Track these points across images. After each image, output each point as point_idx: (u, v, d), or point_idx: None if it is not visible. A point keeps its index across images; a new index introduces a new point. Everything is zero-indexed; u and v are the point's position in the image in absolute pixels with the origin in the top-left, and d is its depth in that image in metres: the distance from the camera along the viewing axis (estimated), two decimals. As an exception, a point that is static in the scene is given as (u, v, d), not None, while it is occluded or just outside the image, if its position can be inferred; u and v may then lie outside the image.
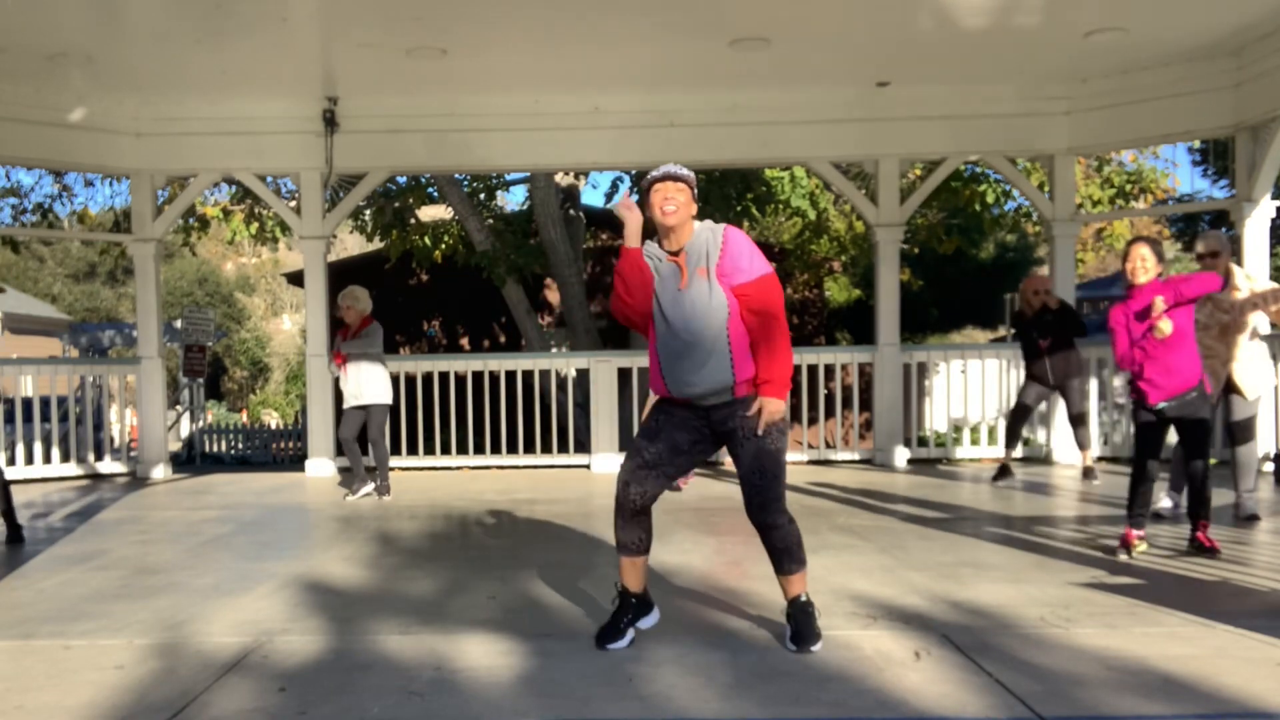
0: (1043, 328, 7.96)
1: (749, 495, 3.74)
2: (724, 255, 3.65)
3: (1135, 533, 5.26)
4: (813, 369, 10.11)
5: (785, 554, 3.76)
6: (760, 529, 3.77)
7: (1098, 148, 10.72)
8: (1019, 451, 9.72)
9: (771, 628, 3.99)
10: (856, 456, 10.02)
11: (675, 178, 3.68)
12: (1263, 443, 8.35)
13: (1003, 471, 8.15)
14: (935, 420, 13.49)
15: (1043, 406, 9.06)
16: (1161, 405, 5.15)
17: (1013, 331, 8.72)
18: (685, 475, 7.94)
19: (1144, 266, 5.14)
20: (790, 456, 10.04)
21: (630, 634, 3.81)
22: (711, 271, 3.64)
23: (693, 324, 3.63)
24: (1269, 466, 8.09)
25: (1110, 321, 5.30)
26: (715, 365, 3.63)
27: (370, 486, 7.97)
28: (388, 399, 7.97)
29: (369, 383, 7.86)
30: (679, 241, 3.72)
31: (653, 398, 3.94)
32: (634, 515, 3.82)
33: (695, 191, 3.74)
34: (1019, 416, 8.34)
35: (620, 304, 3.78)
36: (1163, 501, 6.37)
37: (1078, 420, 8.12)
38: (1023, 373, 8.40)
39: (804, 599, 3.79)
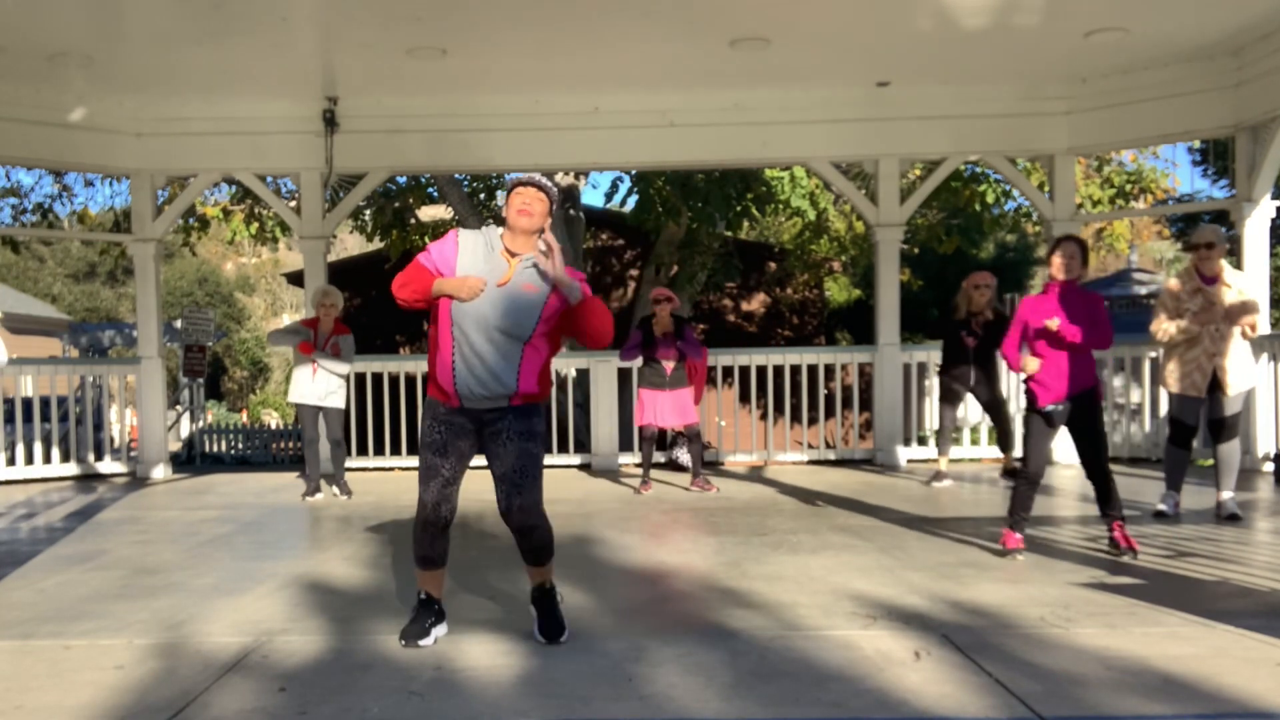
0: (970, 327, 7.92)
1: (514, 494, 3.77)
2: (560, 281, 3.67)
3: (1016, 536, 5.25)
4: (813, 369, 10.11)
5: (544, 550, 3.88)
6: (522, 530, 3.82)
7: (1098, 148, 10.73)
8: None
9: (772, 627, 3.99)
10: (856, 456, 10.02)
11: (540, 186, 3.70)
12: (1263, 443, 8.37)
13: (937, 476, 8.24)
14: (935, 420, 13.48)
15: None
16: (1050, 408, 5.15)
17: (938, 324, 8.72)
18: (708, 484, 7.98)
19: (1069, 266, 5.16)
20: (790, 456, 10.11)
21: (435, 633, 3.86)
22: (542, 291, 3.67)
23: (498, 327, 3.65)
24: (1269, 467, 8.09)
25: (1019, 311, 5.31)
26: (504, 371, 3.67)
27: (323, 490, 8.01)
28: (344, 403, 7.99)
29: (338, 386, 7.86)
30: (521, 248, 3.71)
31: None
32: (442, 530, 3.88)
33: (553, 208, 3.76)
34: (949, 420, 8.35)
35: (409, 296, 3.73)
36: (1161, 503, 6.37)
37: (1001, 420, 8.17)
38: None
39: (549, 585, 3.91)
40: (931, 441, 11.58)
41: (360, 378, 9.69)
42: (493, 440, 3.78)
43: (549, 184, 3.75)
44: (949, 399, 8.27)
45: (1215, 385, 6.13)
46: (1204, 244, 6.13)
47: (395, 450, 9.95)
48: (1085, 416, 5.19)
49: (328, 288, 8.01)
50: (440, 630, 3.91)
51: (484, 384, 3.67)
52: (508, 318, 3.66)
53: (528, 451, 3.78)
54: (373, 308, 8.11)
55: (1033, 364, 5.12)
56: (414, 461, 9.85)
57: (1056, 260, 5.21)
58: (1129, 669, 3.43)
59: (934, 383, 11.41)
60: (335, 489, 7.99)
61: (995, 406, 8.18)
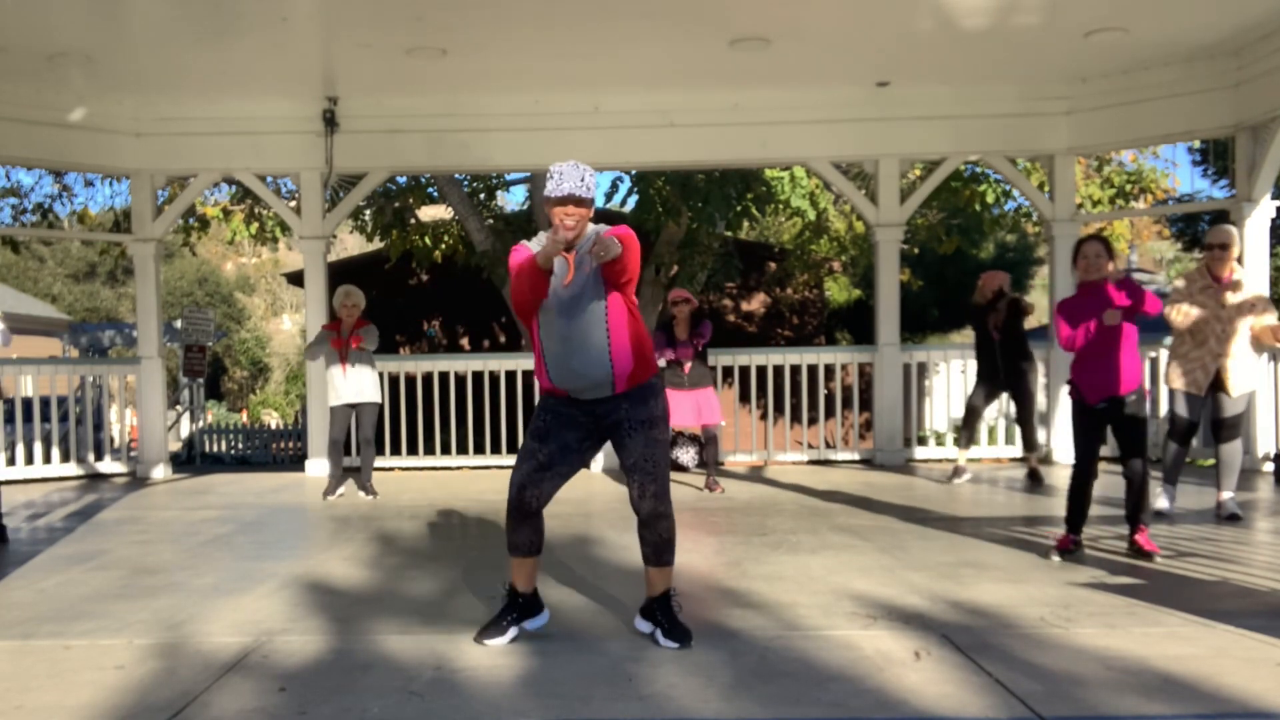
0: (998, 323, 7.97)
1: (644, 484, 3.77)
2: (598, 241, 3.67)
3: (1072, 537, 5.26)
4: (813, 369, 10.11)
5: (667, 546, 3.86)
6: (649, 519, 3.81)
7: (1098, 148, 10.72)
8: (1018, 451, 9.74)
9: (772, 627, 3.99)
10: (856, 456, 10.02)
11: (579, 201, 3.68)
12: (1263, 443, 8.37)
13: (957, 472, 8.23)
14: (935, 420, 13.48)
15: (1042, 405, 9.06)
16: (1099, 405, 5.16)
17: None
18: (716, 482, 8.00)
19: (1096, 265, 5.16)
20: (790, 456, 10.12)
21: (512, 632, 3.85)
22: (596, 267, 3.69)
23: (579, 317, 3.70)
24: (1269, 466, 8.09)
25: (1057, 313, 5.31)
26: (596, 359, 3.70)
27: (344, 488, 8.06)
28: (380, 398, 8.06)
29: (370, 382, 7.91)
30: (572, 242, 3.75)
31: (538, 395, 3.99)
32: (528, 518, 3.86)
33: (593, 205, 3.76)
34: (973, 417, 8.33)
35: (526, 305, 3.77)
36: (1159, 500, 6.37)
37: (1027, 423, 8.15)
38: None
39: (673, 592, 3.89)
40: (932, 441, 11.61)
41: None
42: (614, 432, 3.81)
43: (588, 193, 3.70)
44: (978, 395, 8.23)
45: (1218, 385, 6.15)
46: (1218, 245, 6.15)
47: (395, 450, 9.94)
48: (1129, 416, 5.19)
49: (349, 288, 8.01)
50: (529, 624, 3.91)
51: (581, 374, 3.72)
52: (582, 304, 3.71)
53: (653, 439, 3.78)
54: (373, 308, 8.09)
55: (1114, 317, 5.04)
56: (413, 461, 9.92)
57: (1080, 264, 5.21)
58: (1129, 669, 3.43)
59: (931, 381, 11.44)
60: (362, 491, 7.99)
61: (1022, 403, 8.13)
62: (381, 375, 9.69)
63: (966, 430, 8.40)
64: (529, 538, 3.89)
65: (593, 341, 3.71)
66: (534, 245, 3.84)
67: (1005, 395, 8.63)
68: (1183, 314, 6.19)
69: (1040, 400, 8.87)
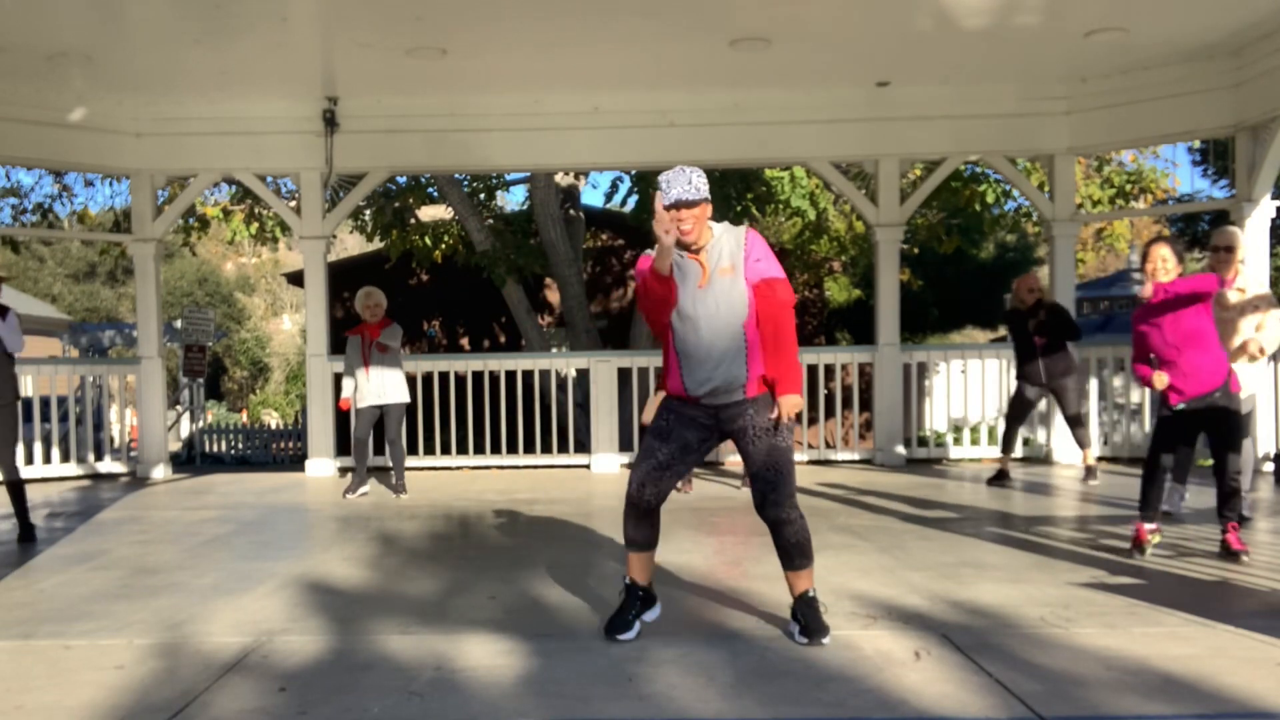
0: (1038, 327, 7.94)
1: (763, 491, 3.82)
2: (747, 255, 3.76)
3: (1147, 528, 5.24)
4: (813, 369, 10.09)
5: (797, 549, 3.86)
6: (773, 525, 3.85)
7: (1098, 148, 10.72)
8: (1019, 452, 9.74)
9: (772, 627, 3.99)
10: (856, 456, 10.02)
11: (690, 204, 3.69)
12: (1263, 443, 8.37)
13: (999, 476, 8.13)
14: (935, 420, 13.48)
15: (1042, 406, 9.04)
16: (1182, 407, 5.14)
17: (1004, 331, 8.68)
18: (688, 479, 8.00)
19: (1164, 267, 5.12)
20: (790, 456, 10.09)
21: (638, 626, 3.90)
22: (738, 269, 3.74)
23: (715, 321, 3.74)
24: (1269, 466, 8.09)
25: (1135, 330, 5.27)
26: (732, 362, 3.75)
27: (367, 487, 8.07)
28: (408, 397, 8.07)
29: (394, 382, 7.93)
30: (698, 243, 3.79)
31: (654, 397, 3.99)
32: (646, 514, 3.91)
33: (708, 204, 3.77)
34: (1016, 419, 8.31)
35: (653, 310, 3.81)
36: (1169, 499, 6.36)
37: (1075, 421, 8.09)
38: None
39: (811, 594, 3.88)
40: (933, 442, 11.60)
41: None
42: (739, 438, 3.85)
43: (699, 195, 3.69)
44: (1020, 402, 8.17)
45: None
46: (1224, 247, 6.14)
47: (429, 450, 9.97)
48: (1217, 414, 5.15)
49: (370, 289, 8.02)
50: (649, 615, 3.97)
51: (712, 379, 3.75)
52: (721, 307, 3.73)
53: (775, 447, 3.81)
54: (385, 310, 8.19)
55: (1161, 380, 5.09)
56: (413, 461, 9.92)
57: (1147, 268, 5.18)
58: (1129, 669, 3.43)
59: (931, 381, 11.43)
60: (393, 490, 8.01)
61: (1069, 409, 8.05)
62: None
63: (1009, 432, 8.33)
64: (647, 533, 3.94)
65: (731, 346, 3.73)
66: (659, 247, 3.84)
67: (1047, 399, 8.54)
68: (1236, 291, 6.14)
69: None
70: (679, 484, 7.83)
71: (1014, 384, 8.39)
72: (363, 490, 7.99)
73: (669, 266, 3.70)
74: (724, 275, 3.75)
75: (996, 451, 9.26)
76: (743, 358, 3.75)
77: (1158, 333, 5.12)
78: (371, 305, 7.91)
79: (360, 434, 8.03)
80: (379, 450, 8.94)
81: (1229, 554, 5.11)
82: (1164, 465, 5.28)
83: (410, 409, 9.78)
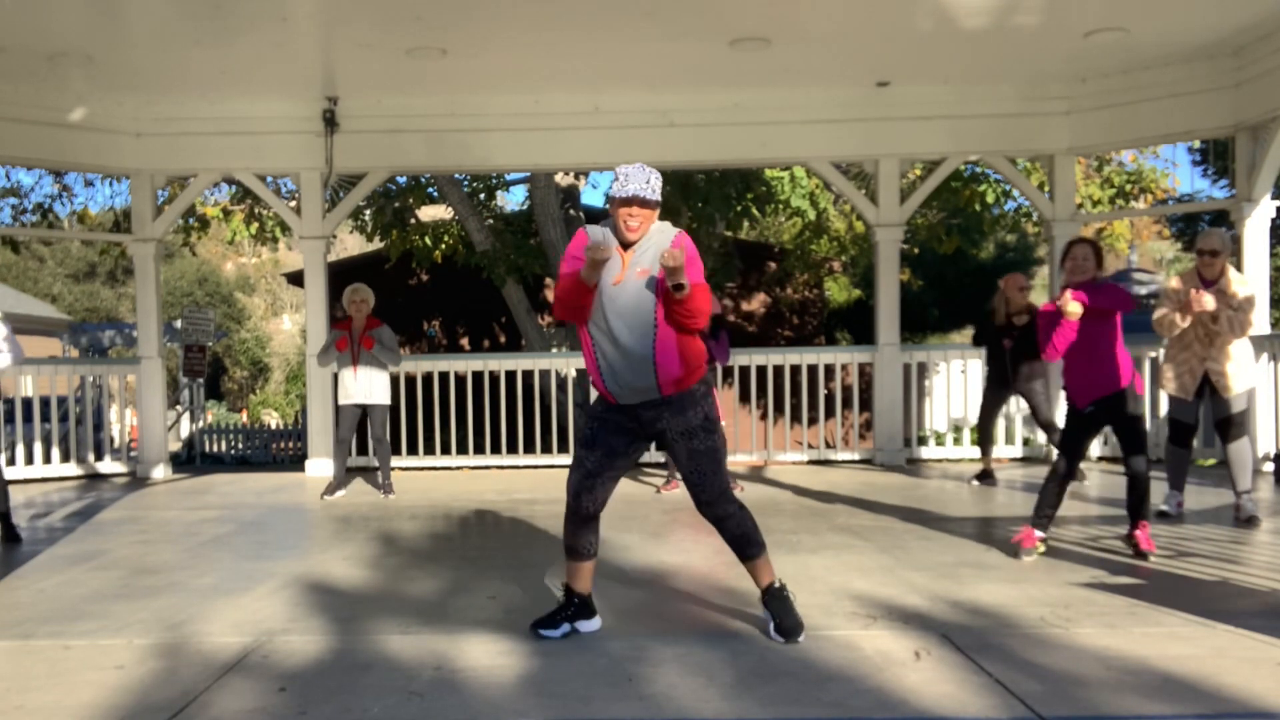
0: (1024, 330, 7.88)
1: (694, 492, 3.84)
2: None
3: (1037, 534, 5.25)
4: (813, 369, 10.11)
5: (744, 540, 3.87)
6: (714, 522, 3.87)
7: (1098, 148, 10.72)
8: (1019, 452, 9.74)
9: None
10: (856, 456, 10.02)
11: (643, 204, 3.68)
12: (1263, 443, 8.37)
13: (984, 475, 8.13)
14: (935, 420, 13.49)
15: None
16: (1089, 409, 5.19)
17: (975, 331, 8.63)
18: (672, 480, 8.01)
19: (1083, 267, 5.16)
20: (790, 456, 10.11)
21: (566, 628, 3.89)
22: (653, 273, 3.69)
23: (627, 319, 3.71)
24: (1269, 466, 8.09)
25: (1042, 323, 5.28)
26: (641, 363, 3.72)
27: (344, 490, 8.06)
28: (390, 399, 8.05)
29: (380, 383, 7.92)
30: (637, 239, 3.76)
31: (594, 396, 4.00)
32: (585, 522, 3.92)
33: (658, 208, 3.75)
34: (988, 418, 8.27)
35: (567, 305, 3.78)
36: (1166, 503, 6.36)
37: (1049, 426, 8.00)
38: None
39: (778, 585, 3.89)
40: (933, 442, 11.61)
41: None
42: (661, 440, 3.86)
43: (653, 195, 3.70)
44: (991, 401, 8.18)
45: (1211, 388, 6.14)
46: (1209, 251, 6.13)
47: (395, 450, 9.92)
48: (1120, 416, 5.21)
49: (357, 285, 8.01)
50: (583, 625, 3.93)
51: (626, 379, 3.73)
52: (629, 310, 3.71)
53: (694, 450, 3.79)
54: (373, 308, 8.13)
55: (1075, 307, 4.97)
56: (413, 461, 9.93)
57: (1068, 265, 5.25)
58: (1129, 669, 3.43)
59: (931, 381, 11.44)
60: (380, 490, 8.01)
61: (1040, 414, 8.02)
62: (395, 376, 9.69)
63: (985, 434, 8.33)
64: (587, 541, 3.95)
65: (641, 346, 3.71)
66: (596, 233, 3.79)
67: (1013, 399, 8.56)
68: (1164, 317, 6.18)
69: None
70: (667, 486, 7.90)
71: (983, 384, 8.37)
72: (340, 492, 7.97)
73: (596, 280, 3.66)
74: (641, 276, 3.70)
75: (997, 451, 9.26)
76: (651, 359, 3.71)
77: (1065, 334, 5.08)
78: (357, 301, 7.88)
79: (344, 434, 8.01)
80: (360, 450, 8.93)
81: (1139, 554, 5.14)
82: (1067, 470, 5.31)
83: (410, 409, 9.81)
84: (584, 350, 3.87)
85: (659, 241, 3.73)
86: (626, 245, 3.75)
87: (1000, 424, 9.21)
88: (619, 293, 3.72)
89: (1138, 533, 5.23)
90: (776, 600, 3.86)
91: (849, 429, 11.62)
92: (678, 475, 8.10)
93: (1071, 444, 5.34)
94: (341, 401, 7.96)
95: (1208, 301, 5.62)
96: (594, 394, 3.94)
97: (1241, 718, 3.05)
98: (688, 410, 3.79)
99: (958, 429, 10.54)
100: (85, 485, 9.14)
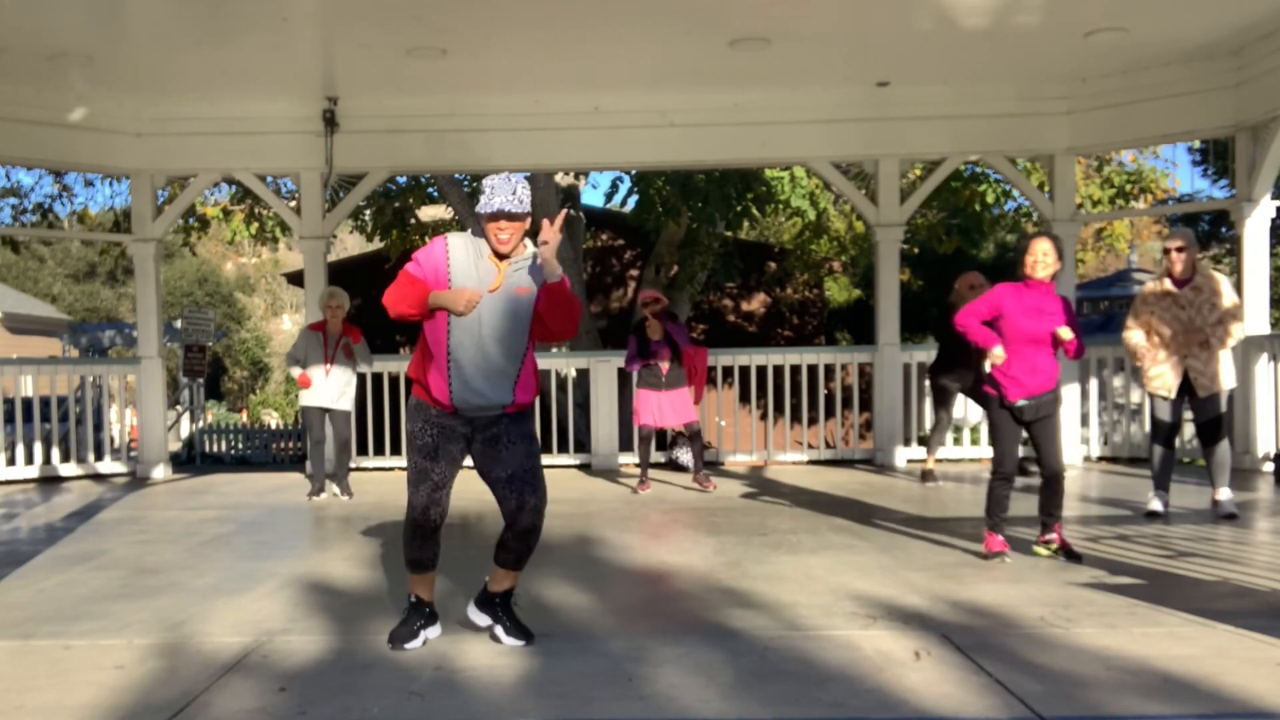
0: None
1: (521, 497, 3.75)
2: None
3: (998, 538, 5.17)
4: (813, 369, 10.10)
5: (529, 554, 3.89)
6: (523, 532, 3.81)
7: (1098, 148, 10.73)
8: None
9: (772, 627, 3.99)
10: (856, 456, 10.02)
11: (511, 217, 3.62)
12: (1263, 443, 8.37)
13: (926, 475, 8.19)
14: (930, 420, 13.46)
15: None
16: (1022, 403, 5.10)
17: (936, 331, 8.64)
18: (709, 477, 8.00)
19: (1045, 261, 5.08)
20: (790, 456, 10.11)
21: (423, 636, 3.86)
22: (534, 291, 3.68)
23: (498, 333, 3.67)
24: (1269, 467, 8.09)
25: (991, 298, 5.21)
26: (502, 379, 3.69)
27: (328, 493, 8.02)
28: (352, 407, 8.06)
29: (349, 388, 7.91)
30: (508, 252, 3.71)
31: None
32: (431, 534, 3.87)
33: (528, 219, 3.70)
34: (944, 420, 8.31)
35: (405, 310, 3.76)
36: (1153, 503, 6.35)
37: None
38: None
39: (516, 592, 3.98)
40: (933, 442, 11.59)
41: (361, 377, 9.68)
42: (491, 445, 3.77)
43: (522, 208, 3.63)
44: (943, 399, 8.22)
45: (1192, 389, 6.14)
46: (1173, 248, 6.14)
47: (395, 450, 9.91)
48: (1047, 416, 5.15)
49: (333, 289, 7.99)
50: (432, 632, 3.90)
51: (481, 394, 3.68)
52: (504, 325, 3.66)
53: (532, 452, 3.79)
54: (372, 308, 8.08)
55: (1000, 355, 5.07)
56: (414, 461, 9.88)
57: (1029, 260, 5.09)
58: (1129, 669, 3.43)
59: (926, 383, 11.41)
60: (337, 489, 7.99)
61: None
62: (380, 375, 9.71)
63: (936, 437, 8.39)
64: (433, 553, 3.91)
65: (508, 362, 3.68)
66: (457, 243, 3.74)
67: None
68: (1125, 340, 6.25)
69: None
70: (703, 484, 7.89)
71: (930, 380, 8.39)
72: (324, 494, 7.95)
73: (467, 304, 3.63)
74: (519, 293, 3.67)
75: (982, 452, 9.28)
76: (512, 380, 3.69)
77: (1014, 325, 5.07)
78: (334, 306, 7.81)
79: (319, 435, 7.95)
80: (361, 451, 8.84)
81: (1071, 556, 5.08)
82: (1012, 472, 5.25)
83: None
84: (431, 351, 3.73)
85: (536, 274, 3.68)
86: (501, 256, 3.70)
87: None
88: (493, 303, 3.66)
89: (1056, 534, 5.16)
90: (509, 606, 3.92)
91: (849, 429, 11.61)
92: (649, 477, 8.13)
93: (1010, 442, 5.22)
94: (307, 403, 7.89)
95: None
96: (414, 400, 3.81)
97: (1241, 718, 3.05)
98: (527, 419, 3.83)
99: (958, 429, 10.53)
100: (85, 485, 9.14)
